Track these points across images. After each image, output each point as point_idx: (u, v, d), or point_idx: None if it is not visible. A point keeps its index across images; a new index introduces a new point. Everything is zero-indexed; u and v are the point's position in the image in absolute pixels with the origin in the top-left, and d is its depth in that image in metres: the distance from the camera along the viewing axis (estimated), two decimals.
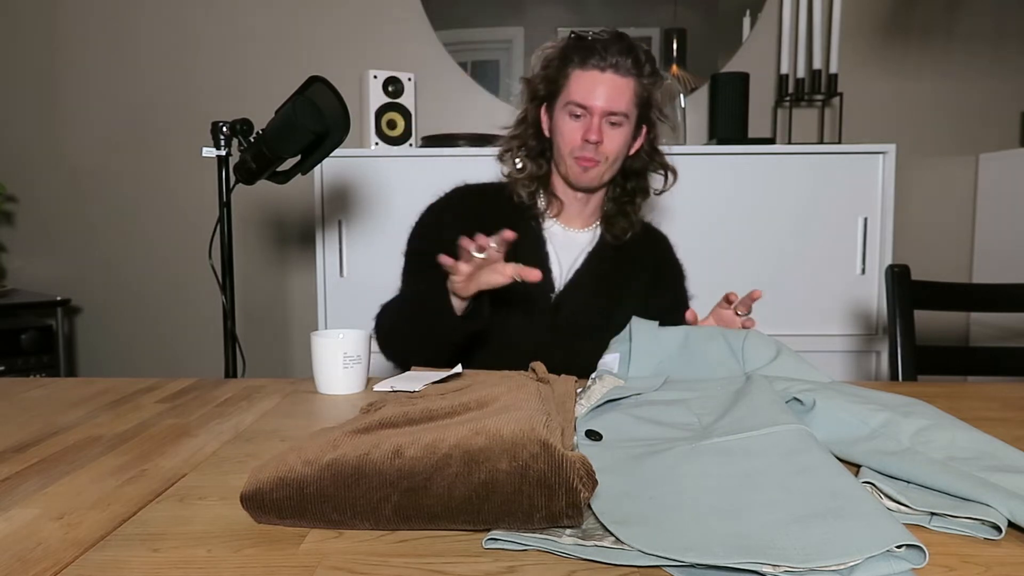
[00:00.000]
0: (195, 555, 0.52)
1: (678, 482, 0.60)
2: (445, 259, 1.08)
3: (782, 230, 2.03)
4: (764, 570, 0.46)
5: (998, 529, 0.53)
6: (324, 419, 0.88)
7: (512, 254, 1.28)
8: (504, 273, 1.07)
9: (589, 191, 1.32)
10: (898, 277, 1.34)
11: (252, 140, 1.30)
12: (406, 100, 2.10)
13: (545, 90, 1.29)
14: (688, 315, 1.14)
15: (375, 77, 2.05)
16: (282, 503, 0.55)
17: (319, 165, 1.49)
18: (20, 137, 2.53)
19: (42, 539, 0.55)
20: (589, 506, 0.55)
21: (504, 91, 2.43)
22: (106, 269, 2.57)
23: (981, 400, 0.94)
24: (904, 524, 0.51)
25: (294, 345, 2.55)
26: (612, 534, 0.52)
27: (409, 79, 2.10)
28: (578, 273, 1.31)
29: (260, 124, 1.30)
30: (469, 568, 0.49)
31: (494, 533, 0.53)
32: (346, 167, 2.03)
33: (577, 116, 1.24)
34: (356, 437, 0.61)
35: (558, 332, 1.27)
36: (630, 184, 1.35)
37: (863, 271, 2.03)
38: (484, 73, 2.44)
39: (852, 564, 0.46)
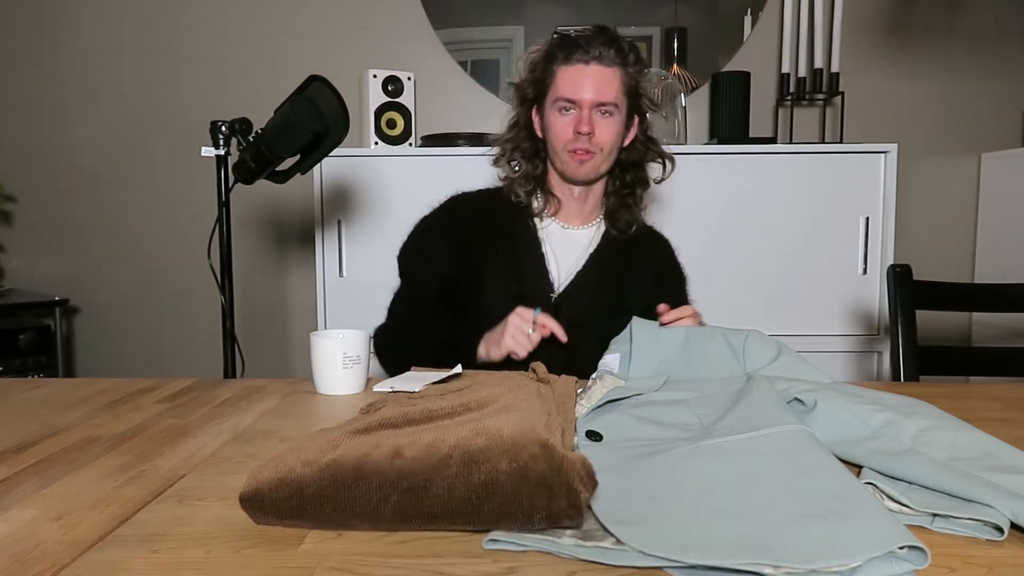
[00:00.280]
0: (194, 556, 0.52)
1: (679, 482, 0.59)
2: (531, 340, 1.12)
3: (783, 230, 2.03)
4: (765, 571, 0.46)
5: (1000, 530, 0.52)
6: (324, 419, 0.88)
7: (509, 254, 1.28)
8: (527, 348, 1.12)
9: (587, 183, 1.32)
10: (900, 277, 1.34)
11: (251, 140, 1.30)
12: (406, 99, 2.10)
13: (534, 92, 1.30)
14: (660, 307, 1.15)
15: (375, 76, 2.05)
16: (281, 504, 0.55)
17: (318, 165, 1.49)
18: (19, 137, 2.53)
19: (41, 540, 0.54)
20: (589, 507, 0.55)
21: (504, 90, 2.43)
22: (104, 269, 2.57)
23: (983, 400, 0.94)
24: (906, 525, 0.51)
25: (293, 345, 2.55)
26: (612, 535, 0.52)
27: (409, 78, 2.10)
28: (579, 274, 1.30)
29: (259, 124, 1.30)
30: (469, 569, 0.49)
31: (494, 534, 0.53)
32: (346, 167, 2.03)
33: (567, 111, 1.25)
34: (356, 438, 0.61)
35: None
36: (629, 176, 1.35)
37: (865, 271, 2.03)
38: (484, 72, 2.44)
39: (853, 565, 0.46)
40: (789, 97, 2.30)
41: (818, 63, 2.22)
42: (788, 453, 0.62)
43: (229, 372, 1.38)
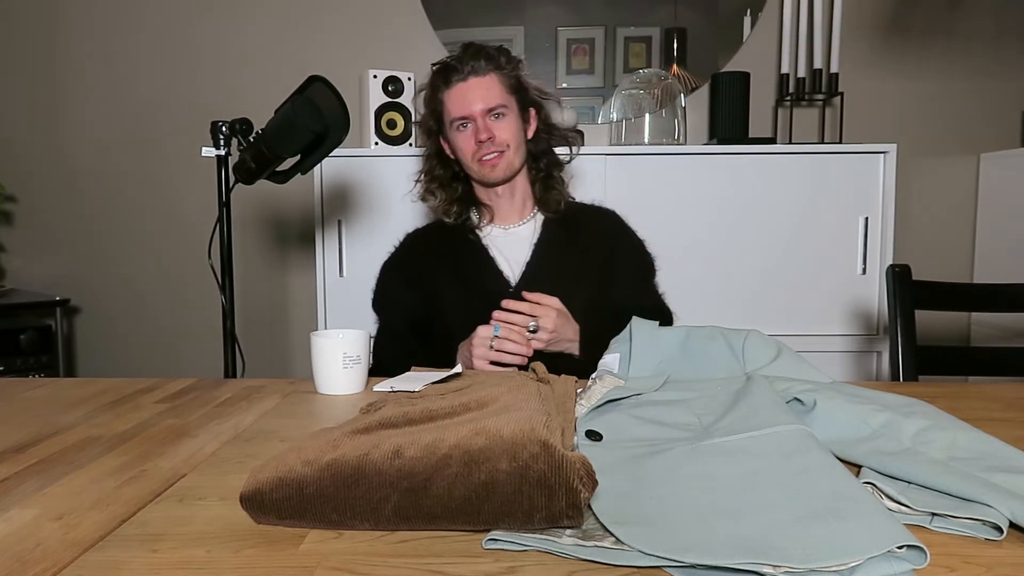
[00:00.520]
0: (194, 556, 0.52)
1: (678, 482, 0.59)
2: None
3: (783, 230, 2.03)
4: (764, 570, 0.46)
5: (999, 530, 0.53)
6: (324, 419, 0.88)
7: (462, 271, 1.37)
8: (488, 359, 1.19)
9: (507, 181, 1.39)
10: (899, 277, 1.34)
11: (252, 140, 1.30)
12: (406, 100, 2.10)
13: (434, 122, 1.40)
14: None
15: (375, 77, 2.05)
16: (282, 503, 0.55)
17: (319, 165, 1.49)
18: (20, 137, 2.53)
19: (41, 539, 0.54)
20: (589, 506, 0.55)
21: None
22: (105, 269, 2.57)
23: (982, 400, 0.94)
24: (905, 524, 0.51)
25: (294, 345, 2.55)
26: (612, 534, 0.52)
27: (409, 79, 2.10)
28: (529, 264, 1.36)
29: (260, 124, 1.30)
30: (469, 568, 0.49)
31: (494, 533, 0.53)
32: (346, 167, 2.03)
33: (464, 127, 1.35)
34: (356, 437, 0.61)
35: None
36: (543, 162, 1.43)
37: (864, 271, 2.03)
38: None
39: (853, 564, 0.46)
40: (789, 97, 2.30)
41: (817, 63, 2.22)
42: (788, 453, 0.62)
43: (229, 372, 1.38)
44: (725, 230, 2.04)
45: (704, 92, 2.35)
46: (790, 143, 2.17)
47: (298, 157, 1.30)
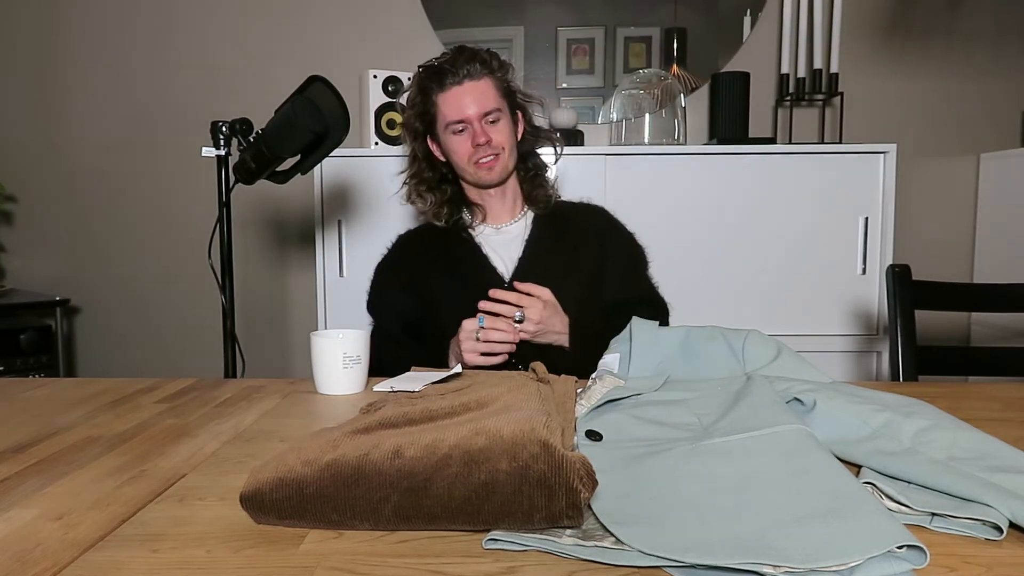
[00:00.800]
0: (194, 556, 0.52)
1: (678, 482, 0.59)
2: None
3: (783, 230, 2.03)
4: (764, 570, 0.46)
5: (999, 530, 0.53)
6: (324, 419, 0.88)
7: (456, 271, 1.37)
8: (477, 351, 1.21)
9: (503, 183, 1.40)
10: (899, 277, 1.34)
11: (252, 140, 1.30)
12: (403, 101, 2.09)
13: (422, 125, 1.40)
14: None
15: (375, 77, 2.05)
16: (282, 503, 0.55)
17: (319, 165, 1.49)
18: (19, 137, 2.53)
19: (41, 539, 0.54)
20: (589, 506, 0.55)
21: None
22: (105, 269, 2.57)
23: (982, 400, 0.94)
24: (905, 524, 0.51)
25: (294, 345, 2.55)
26: (612, 534, 0.52)
27: (409, 79, 2.09)
28: (522, 260, 1.37)
29: (260, 124, 1.30)
30: (469, 568, 0.49)
31: (494, 533, 0.53)
32: (346, 167, 2.03)
33: (460, 131, 1.35)
34: (356, 437, 0.61)
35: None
36: (530, 162, 1.46)
37: (864, 271, 2.03)
38: None
39: (853, 564, 0.46)
40: (788, 97, 2.30)
41: (817, 63, 2.22)
42: (788, 453, 0.62)
43: (229, 372, 1.38)
44: (725, 230, 2.04)
45: (704, 92, 2.35)
46: (790, 143, 2.16)
47: (298, 157, 1.30)
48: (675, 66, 2.42)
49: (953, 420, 0.73)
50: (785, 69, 2.28)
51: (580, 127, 2.29)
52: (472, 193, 1.43)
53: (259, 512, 0.56)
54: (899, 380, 1.30)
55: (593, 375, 0.95)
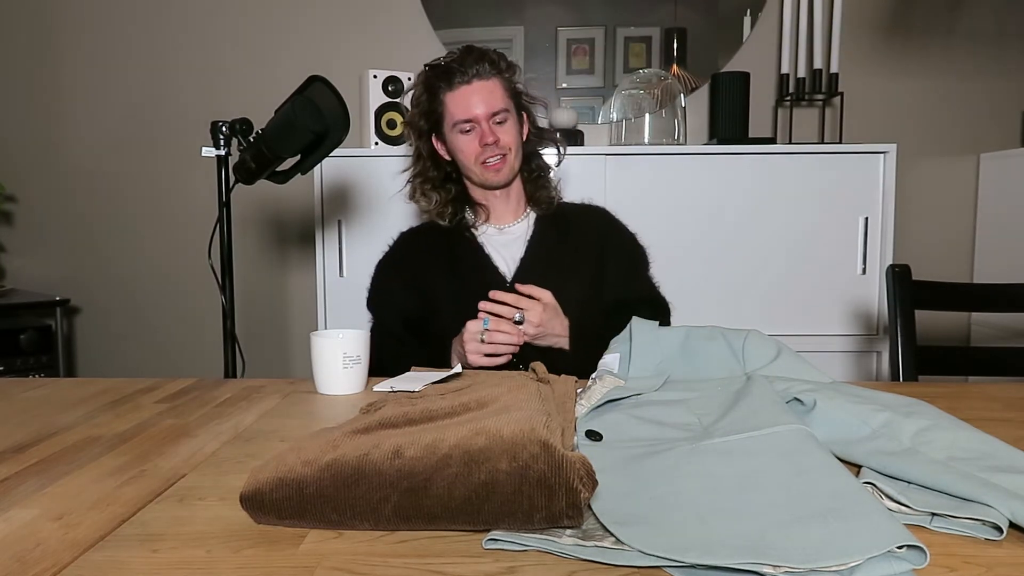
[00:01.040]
0: (194, 556, 0.52)
1: (678, 482, 0.59)
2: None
3: (783, 230, 2.03)
4: (764, 570, 0.46)
5: (999, 530, 0.53)
6: (324, 419, 0.88)
7: (458, 270, 1.37)
8: (481, 352, 1.21)
9: (508, 185, 1.40)
10: (899, 277, 1.34)
11: (252, 140, 1.30)
12: (406, 100, 2.09)
13: (427, 124, 1.38)
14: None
15: (375, 77, 2.05)
16: (282, 503, 0.55)
17: (319, 165, 1.49)
18: (19, 137, 2.53)
19: (41, 539, 0.54)
20: (589, 506, 0.55)
21: None
22: (105, 269, 2.57)
23: (982, 400, 0.94)
24: (905, 524, 0.51)
25: (294, 345, 2.55)
26: (612, 534, 0.52)
27: (409, 79, 2.09)
28: (523, 260, 1.37)
29: (260, 124, 1.30)
30: (469, 568, 0.49)
31: (494, 533, 0.53)
32: (346, 167, 2.03)
33: (468, 131, 1.34)
34: (356, 437, 0.61)
35: None
36: (533, 163, 1.45)
37: (864, 271, 2.03)
38: None
39: (853, 564, 0.46)
40: (788, 97, 2.30)
41: (817, 63, 2.22)
42: (787, 453, 0.62)
43: (229, 372, 1.38)
44: (725, 230, 2.04)
45: (704, 92, 2.35)
46: (790, 143, 2.17)
47: (298, 157, 1.30)
48: (675, 66, 2.42)
49: (953, 420, 0.73)
50: (785, 69, 2.28)
51: (580, 127, 2.29)
52: (476, 193, 1.42)
53: (259, 512, 0.56)
54: (899, 380, 1.30)
55: (593, 375, 0.95)
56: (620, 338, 1.04)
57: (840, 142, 2.18)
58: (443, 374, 1.01)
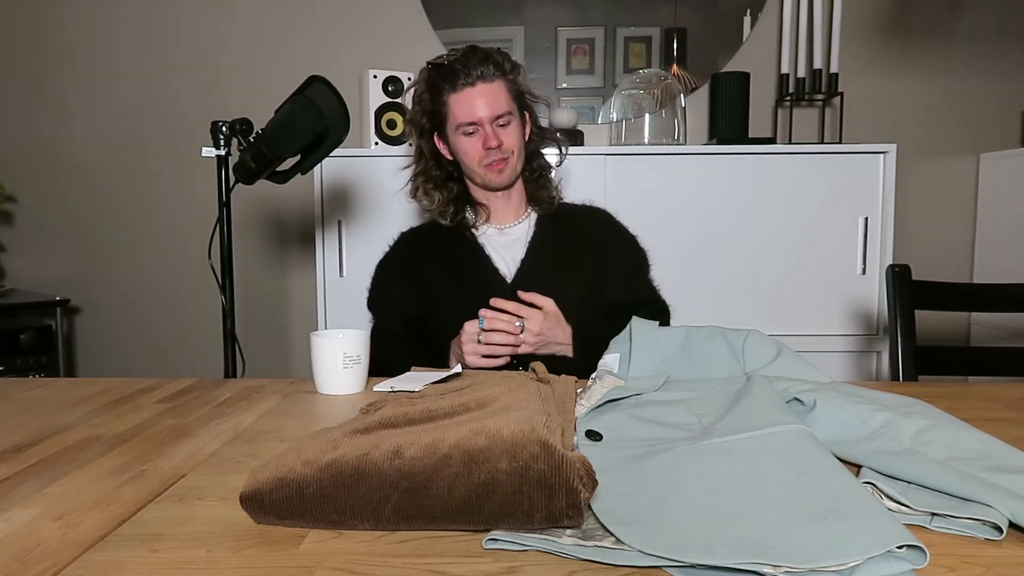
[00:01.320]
0: (194, 556, 0.52)
1: (678, 482, 0.59)
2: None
3: (783, 230, 2.03)
4: (765, 570, 0.46)
5: (999, 529, 0.53)
6: (324, 419, 0.88)
7: (458, 270, 1.37)
8: (479, 353, 1.22)
9: (510, 186, 1.40)
10: (899, 277, 1.34)
11: (252, 140, 1.30)
12: (406, 100, 2.09)
13: (429, 123, 1.38)
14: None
15: (375, 77, 2.05)
16: (282, 503, 0.55)
17: (319, 165, 1.49)
18: (20, 137, 2.53)
19: (41, 539, 0.54)
20: (589, 506, 0.55)
21: None
22: (105, 269, 2.57)
23: (982, 400, 0.94)
24: (905, 524, 0.51)
25: (294, 345, 2.55)
26: (612, 534, 0.52)
27: (409, 79, 2.09)
28: (524, 262, 1.37)
29: (260, 124, 1.30)
30: (469, 568, 0.49)
31: (494, 533, 0.53)
32: (346, 167, 2.03)
33: (471, 133, 1.34)
34: (356, 437, 0.61)
35: None
36: (535, 163, 1.44)
37: (864, 271, 2.03)
38: None
39: (853, 564, 0.46)
40: (788, 97, 2.30)
41: (817, 63, 2.22)
42: (788, 453, 0.62)
43: (229, 372, 1.38)
44: (725, 230, 2.04)
45: (704, 92, 2.35)
46: (790, 143, 2.17)
47: (298, 157, 1.30)
48: (675, 66, 2.42)
49: (953, 420, 0.73)
50: (785, 69, 2.28)
51: (580, 127, 2.29)
52: (478, 193, 1.42)
53: (259, 512, 0.56)
54: (899, 380, 1.30)
55: (593, 375, 0.95)
56: (620, 338, 1.04)
57: (840, 142, 2.18)
58: (443, 374, 1.01)
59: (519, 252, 1.38)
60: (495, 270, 1.36)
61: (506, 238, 1.41)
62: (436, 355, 1.29)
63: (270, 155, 1.27)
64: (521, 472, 0.52)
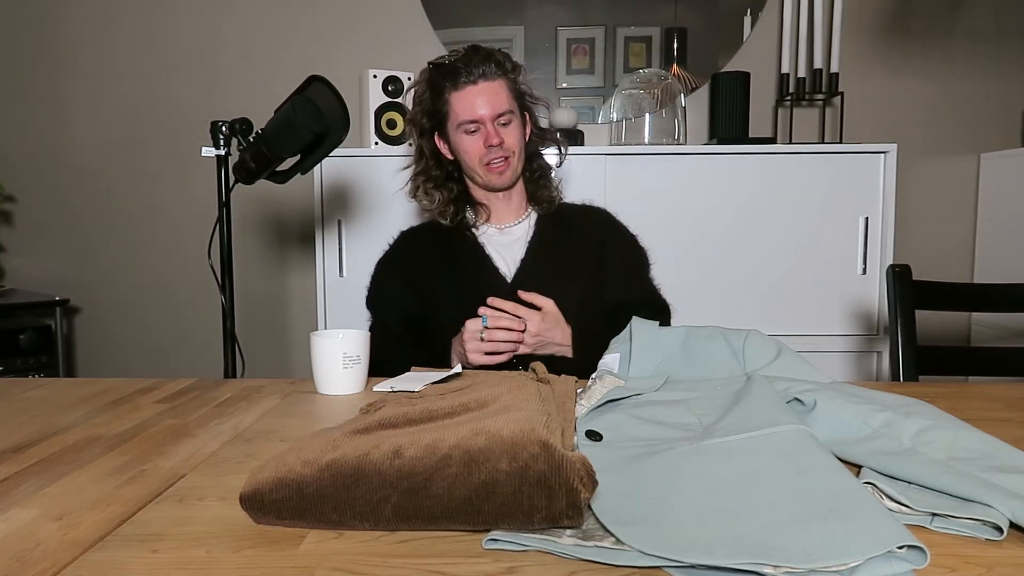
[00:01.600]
0: (194, 556, 0.52)
1: (679, 482, 0.59)
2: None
3: (783, 230, 2.03)
4: (765, 571, 0.46)
5: (999, 530, 0.52)
6: (324, 419, 0.88)
7: (458, 270, 1.37)
8: (481, 351, 1.22)
9: (511, 187, 1.40)
10: (899, 277, 1.34)
11: (251, 140, 1.30)
12: (406, 100, 2.09)
13: (430, 122, 1.38)
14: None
15: (375, 77, 2.05)
16: (281, 504, 0.55)
17: (319, 165, 1.49)
18: (20, 137, 2.53)
19: (41, 540, 0.54)
20: (589, 506, 0.55)
21: None
22: (105, 269, 2.57)
23: (982, 400, 0.94)
24: (905, 525, 0.51)
25: (294, 345, 2.55)
26: (612, 534, 0.52)
27: (409, 79, 2.09)
28: (524, 262, 1.37)
29: (260, 124, 1.30)
30: (469, 568, 0.49)
31: (494, 534, 0.53)
32: (346, 167, 2.03)
33: (472, 132, 1.34)
34: (356, 437, 0.61)
35: None
36: (535, 163, 1.45)
37: (864, 271, 2.03)
38: None
39: (853, 564, 0.46)
40: (789, 97, 2.30)
41: (818, 63, 2.22)
42: (788, 453, 0.62)
43: (229, 372, 1.38)
44: (725, 230, 2.04)
45: (704, 92, 2.35)
46: (790, 143, 2.17)
47: (298, 157, 1.30)
48: (675, 66, 2.42)
49: (953, 420, 0.73)
50: (785, 69, 2.28)
51: (580, 127, 2.29)
52: (478, 193, 1.42)
53: (259, 512, 0.56)
54: (899, 380, 1.30)
55: (593, 375, 0.94)
56: (620, 338, 1.04)
57: (840, 142, 2.18)
58: (443, 374, 1.01)
59: (519, 252, 1.38)
60: (495, 270, 1.36)
61: (506, 238, 1.41)
62: (436, 355, 1.29)
63: (270, 155, 1.27)
64: (521, 472, 0.52)
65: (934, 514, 0.56)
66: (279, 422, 0.87)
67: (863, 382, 1.00)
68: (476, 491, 0.53)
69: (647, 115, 2.19)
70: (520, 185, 1.43)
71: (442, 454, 0.54)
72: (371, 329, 1.42)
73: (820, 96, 2.27)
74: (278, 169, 1.32)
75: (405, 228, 1.51)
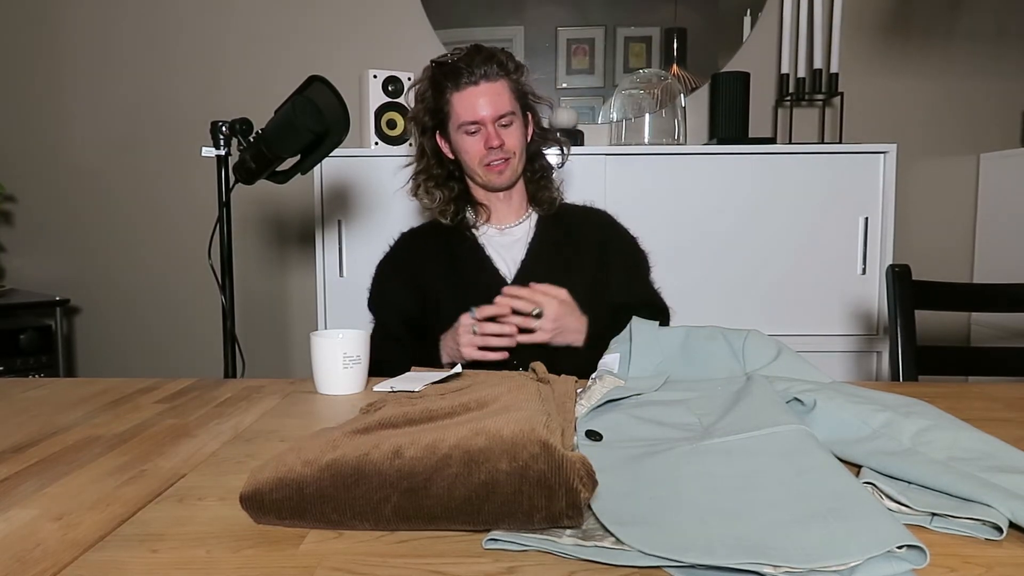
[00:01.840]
0: (194, 556, 0.52)
1: (679, 482, 0.59)
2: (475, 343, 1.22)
3: (783, 230, 2.03)
4: (765, 570, 0.46)
5: (999, 530, 0.53)
6: (324, 419, 0.88)
7: (458, 271, 1.37)
8: (475, 345, 1.22)
9: (511, 187, 1.40)
10: (899, 277, 1.34)
11: (251, 140, 1.30)
12: (406, 100, 2.09)
13: (431, 121, 1.38)
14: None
15: (375, 77, 2.05)
16: (281, 503, 0.55)
17: (319, 165, 1.49)
18: (19, 137, 2.53)
19: (41, 540, 0.54)
20: (589, 506, 0.55)
21: None
22: (105, 269, 2.57)
23: (982, 400, 0.94)
24: (905, 524, 0.51)
25: (294, 345, 2.55)
26: (612, 534, 0.52)
27: (409, 79, 2.09)
28: (524, 262, 1.37)
29: (260, 124, 1.30)
30: (469, 568, 0.49)
31: (494, 533, 0.53)
32: (346, 167, 2.03)
33: (473, 132, 1.34)
34: (356, 437, 0.61)
35: None
36: (536, 164, 1.44)
37: (864, 271, 2.03)
38: None
39: (853, 564, 0.46)
40: (788, 97, 2.30)
41: (817, 63, 2.22)
42: (788, 453, 0.62)
43: (229, 372, 1.38)
44: (725, 230, 2.04)
45: (704, 92, 2.35)
46: (790, 143, 2.17)
47: (298, 157, 1.30)
48: (675, 66, 2.42)
49: (953, 420, 0.73)
50: (785, 69, 2.28)
51: (580, 127, 2.29)
52: (479, 193, 1.42)
53: (259, 512, 0.56)
54: (899, 380, 1.30)
55: (593, 375, 0.94)
56: (620, 338, 1.04)
57: (840, 142, 2.18)
58: (443, 374, 1.01)
59: (519, 253, 1.38)
60: (495, 270, 1.36)
61: (506, 238, 1.41)
62: (436, 355, 1.29)
63: (270, 155, 1.27)
64: (521, 472, 0.52)
65: (934, 514, 0.56)
66: (279, 422, 0.87)
67: (863, 382, 1.00)
68: (476, 491, 0.53)
69: (647, 115, 2.19)
70: (520, 185, 1.43)
71: (442, 454, 0.54)
72: (372, 330, 1.42)
73: (820, 96, 2.27)
74: (278, 169, 1.32)
75: (405, 229, 1.51)
